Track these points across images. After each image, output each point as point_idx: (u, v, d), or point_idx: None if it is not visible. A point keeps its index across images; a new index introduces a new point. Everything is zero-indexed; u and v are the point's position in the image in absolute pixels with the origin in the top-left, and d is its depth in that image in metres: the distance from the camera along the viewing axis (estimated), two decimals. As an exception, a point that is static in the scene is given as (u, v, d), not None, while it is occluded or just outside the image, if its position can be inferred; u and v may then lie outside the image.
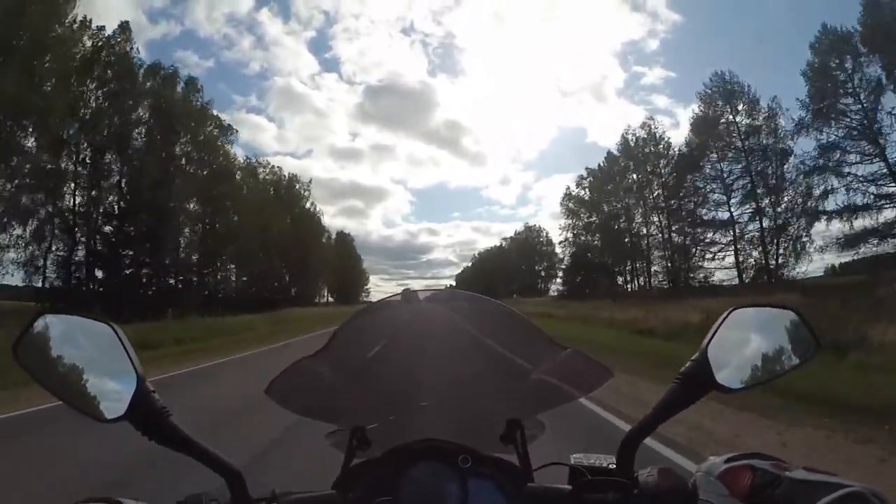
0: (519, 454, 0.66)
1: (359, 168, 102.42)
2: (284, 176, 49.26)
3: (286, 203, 47.58)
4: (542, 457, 0.69)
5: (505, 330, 0.78)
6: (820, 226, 26.56)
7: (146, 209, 27.99)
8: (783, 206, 28.37)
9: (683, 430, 3.65)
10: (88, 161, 26.54)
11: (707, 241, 32.18)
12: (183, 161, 32.03)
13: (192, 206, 32.83)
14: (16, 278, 24.34)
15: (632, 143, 36.93)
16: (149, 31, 50.98)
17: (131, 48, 27.91)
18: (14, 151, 21.33)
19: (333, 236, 66.89)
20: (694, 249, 32.80)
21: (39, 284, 25.18)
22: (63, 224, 26.05)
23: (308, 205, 51.82)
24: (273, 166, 48.90)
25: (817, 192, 26.31)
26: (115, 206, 28.43)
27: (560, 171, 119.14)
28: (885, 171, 23.71)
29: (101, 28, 26.28)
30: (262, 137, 73.57)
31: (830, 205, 25.62)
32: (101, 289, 27.18)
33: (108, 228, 28.39)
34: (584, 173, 42.25)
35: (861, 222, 24.29)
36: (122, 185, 28.17)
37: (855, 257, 25.66)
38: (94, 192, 27.08)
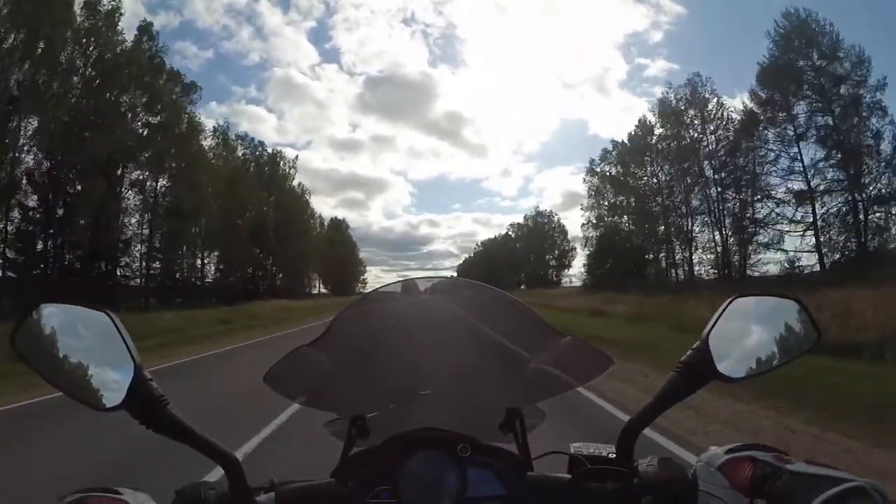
0: (518, 443, 0.65)
1: (359, 159, 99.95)
2: (266, 151, 43.29)
3: (268, 182, 41.75)
4: (544, 447, 0.68)
5: (505, 318, 0.77)
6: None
7: (76, 173, 22.34)
8: (882, 171, 22.48)
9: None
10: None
11: (771, 219, 26.31)
12: (128, 115, 26.10)
13: (138, 173, 26.93)
14: None
15: (672, 104, 30.91)
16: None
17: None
18: None
19: (327, 223, 61.75)
20: (753, 230, 26.94)
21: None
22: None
23: (295, 184, 46.04)
24: (253, 139, 42.89)
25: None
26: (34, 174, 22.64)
27: (561, 163, 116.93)
28: None
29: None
30: (262, 128, 73.45)
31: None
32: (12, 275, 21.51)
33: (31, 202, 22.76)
34: (610, 146, 36.40)
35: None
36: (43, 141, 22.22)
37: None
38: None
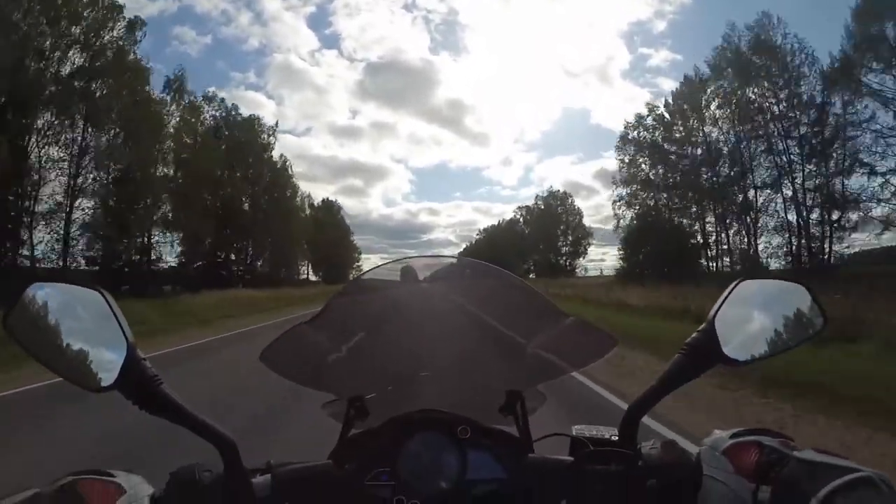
0: (519, 426, 0.64)
1: (359, 146, 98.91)
2: (240, 115, 37.17)
3: (241, 151, 35.82)
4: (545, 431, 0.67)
5: (506, 298, 0.76)
6: None
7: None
8: None
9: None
10: None
11: (867, 193, 20.65)
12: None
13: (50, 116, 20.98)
14: None
15: (732, 52, 24.94)
16: (147, 8, 48.64)
17: None
18: None
19: (318, 203, 56.01)
20: (842, 209, 21.31)
21: None
22: None
23: (276, 156, 40.02)
24: (223, 100, 36.67)
25: None
26: None
27: (563, 153, 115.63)
28: None
29: None
30: (261, 114, 68.49)
31: None
32: None
33: None
34: (645, 110, 30.51)
35: None
36: None
37: None
38: None
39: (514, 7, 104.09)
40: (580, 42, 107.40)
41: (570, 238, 54.88)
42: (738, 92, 25.10)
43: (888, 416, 3.60)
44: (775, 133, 24.08)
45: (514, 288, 0.73)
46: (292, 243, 41.59)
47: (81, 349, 0.49)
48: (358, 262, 66.04)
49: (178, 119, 28.51)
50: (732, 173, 25.70)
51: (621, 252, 29.88)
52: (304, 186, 71.81)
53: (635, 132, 30.25)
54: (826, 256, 21.96)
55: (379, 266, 0.78)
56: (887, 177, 19.94)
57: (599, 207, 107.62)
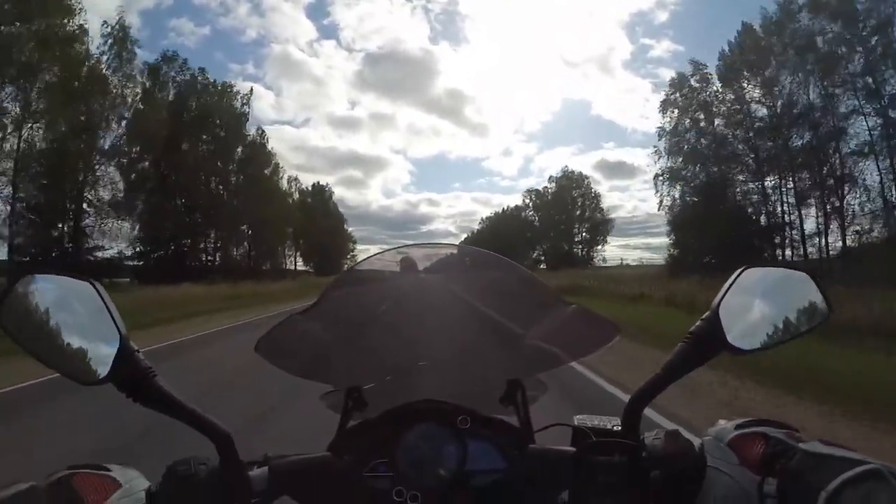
0: (519, 415, 0.63)
1: (358, 137, 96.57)
2: (206, 80, 31.65)
3: (208, 122, 30.50)
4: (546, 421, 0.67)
5: (506, 287, 0.75)
6: None
7: None
8: None
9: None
10: None
11: None
12: None
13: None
14: None
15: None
16: (144, 0, 46.89)
17: None
18: None
19: (307, 187, 50.89)
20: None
21: None
22: None
23: (253, 131, 34.62)
24: (186, 60, 31.12)
25: None
26: None
27: (563, 143, 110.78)
28: None
29: None
30: (259, 105, 73.59)
31: None
32: None
33: None
34: (689, 69, 25.21)
35: None
36: None
37: None
38: None
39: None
40: (581, 32, 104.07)
41: (588, 225, 49.69)
42: (819, 36, 19.82)
43: None
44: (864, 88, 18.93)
45: (515, 276, 0.71)
46: (274, 230, 36.38)
47: (74, 342, 0.48)
48: (353, 251, 61.55)
49: (120, 78, 23.19)
50: (806, 139, 20.52)
51: (669, 237, 24.80)
52: (303, 178, 70.18)
53: (680, 92, 25.02)
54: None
55: (375, 255, 0.75)
56: None
57: (600, 198, 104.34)
